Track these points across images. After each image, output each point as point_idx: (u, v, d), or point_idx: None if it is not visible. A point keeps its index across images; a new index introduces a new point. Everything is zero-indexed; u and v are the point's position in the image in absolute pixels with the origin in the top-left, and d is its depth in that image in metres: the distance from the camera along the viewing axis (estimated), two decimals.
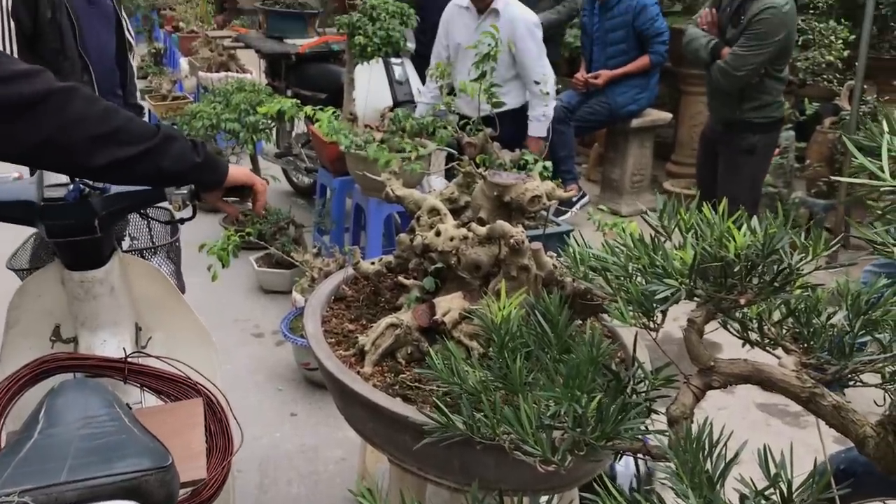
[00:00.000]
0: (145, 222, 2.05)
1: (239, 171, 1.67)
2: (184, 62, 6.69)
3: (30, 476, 1.09)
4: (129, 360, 1.55)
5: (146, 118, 6.33)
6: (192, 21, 7.06)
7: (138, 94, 3.46)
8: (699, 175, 4.13)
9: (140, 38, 9.51)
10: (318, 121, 3.20)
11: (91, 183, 1.58)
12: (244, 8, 10.38)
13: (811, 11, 5.02)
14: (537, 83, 3.99)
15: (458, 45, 4.14)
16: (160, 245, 2.01)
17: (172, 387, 1.57)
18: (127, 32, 3.22)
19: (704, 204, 0.98)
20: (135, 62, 3.31)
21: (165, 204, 1.78)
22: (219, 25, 7.79)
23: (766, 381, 0.94)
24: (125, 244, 1.99)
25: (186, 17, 7.18)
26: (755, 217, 0.98)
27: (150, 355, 1.65)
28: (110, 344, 1.68)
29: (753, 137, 3.73)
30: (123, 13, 3.26)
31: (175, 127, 4.50)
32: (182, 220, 1.89)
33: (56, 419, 1.22)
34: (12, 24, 2.82)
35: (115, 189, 1.62)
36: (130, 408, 1.44)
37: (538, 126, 4.04)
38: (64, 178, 1.59)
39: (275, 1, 6.19)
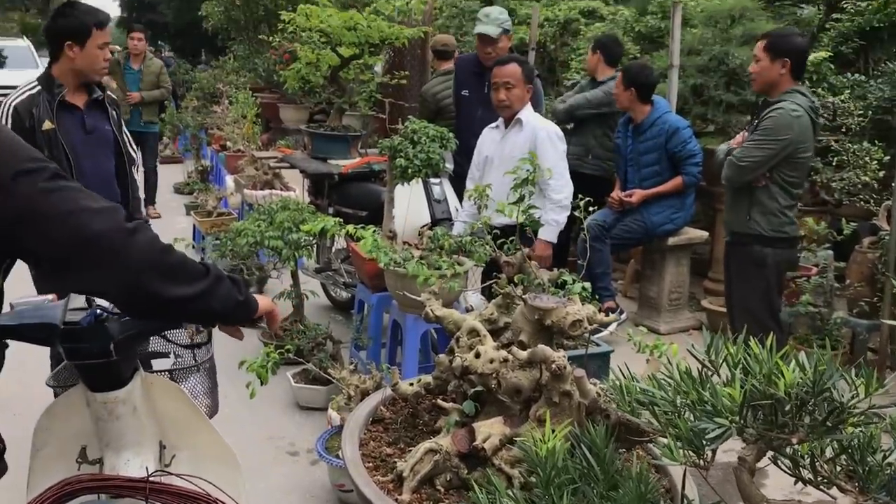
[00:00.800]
0: (188, 342, 2.10)
1: (263, 302, 1.74)
2: (229, 180, 6.92)
3: None
4: (150, 479, 1.54)
5: (191, 234, 6.53)
6: (238, 140, 7.34)
7: (142, 206, 3.57)
8: (726, 291, 4.15)
9: (188, 155, 9.93)
10: (359, 238, 3.28)
11: (108, 308, 1.64)
12: (288, 128, 10.82)
13: (843, 132, 5.10)
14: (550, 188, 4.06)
15: (485, 159, 4.27)
16: (202, 363, 2.05)
17: None
18: (129, 149, 3.37)
19: (751, 338, 0.98)
20: (139, 175, 3.43)
21: None
22: (263, 144, 8.10)
23: None
24: (169, 363, 2.04)
25: (233, 137, 7.47)
26: (774, 329, 0.97)
27: (172, 473, 1.64)
28: (134, 463, 1.70)
29: (764, 250, 3.76)
30: (125, 132, 3.41)
31: (218, 242, 4.63)
32: (200, 345, 1.98)
33: None
34: None
35: None
36: None
37: (549, 230, 4.06)
38: (83, 303, 1.64)
39: (319, 124, 6.45)
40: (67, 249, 1.36)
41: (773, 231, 3.74)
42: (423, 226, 4.00)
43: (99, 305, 1.64)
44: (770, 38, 3.72)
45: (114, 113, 3.35)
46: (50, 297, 1.77)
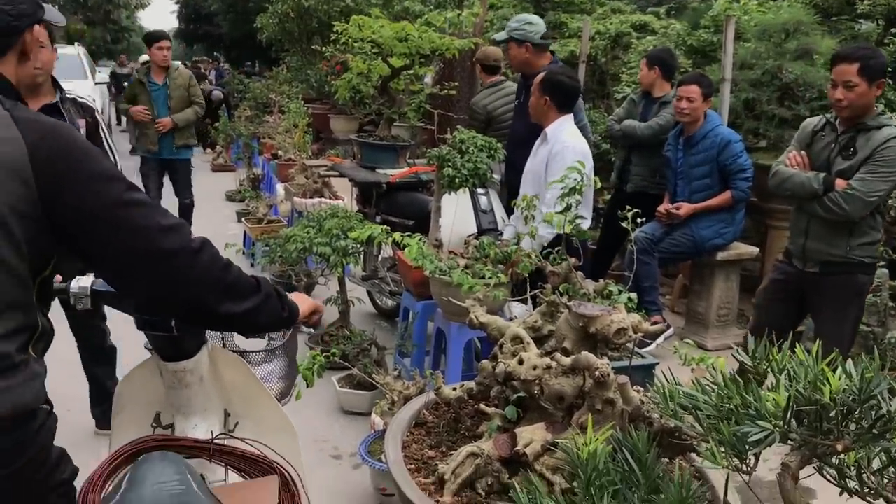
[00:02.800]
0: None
1: (304, 305, 1.80)
2: (280, 188, 7.04)
3: None
4: (214, 441, 1.69)
5: (241, 240, 6.65)
6: (289, 149, 7.46)
7: None
8: (765, 320, 3.80)
9: (240, 164, 10.12)
10: (406, 246, 3.31)
11: None
12: (339, 138, 10.96)
13: None
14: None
15: (525, 171, 4.23)
16: (280, 346, 2.15)
17: (252, 465, 1.68)
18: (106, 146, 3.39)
19: (797, 345, 0.97)
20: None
21: None
22: (314, 154, 8.21)
23: None
24: (264, 343, 2.17)
25: (284, 146, 7.59)
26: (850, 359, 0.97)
27: (234, 437, 1.78)
28: (201, 428, 1.84)
29: (865, 278, 3.57)
30: (103, 135, 3.39)
31: (268, 248, 4.72)
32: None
33: (136, 484, 1.41)
34: None
35: None
36: (204, 479, 1.59)
37: (529, 244, 3.68)
38: None
39: (369, 133, 6.52)
40: (134, 261, 1.42)
41: (871, 258, 3.55)
42: (469, 235, 4.01)
43: None
44: (862, 59, 3.30)
45: (71, 116, 3.26)
46: None
